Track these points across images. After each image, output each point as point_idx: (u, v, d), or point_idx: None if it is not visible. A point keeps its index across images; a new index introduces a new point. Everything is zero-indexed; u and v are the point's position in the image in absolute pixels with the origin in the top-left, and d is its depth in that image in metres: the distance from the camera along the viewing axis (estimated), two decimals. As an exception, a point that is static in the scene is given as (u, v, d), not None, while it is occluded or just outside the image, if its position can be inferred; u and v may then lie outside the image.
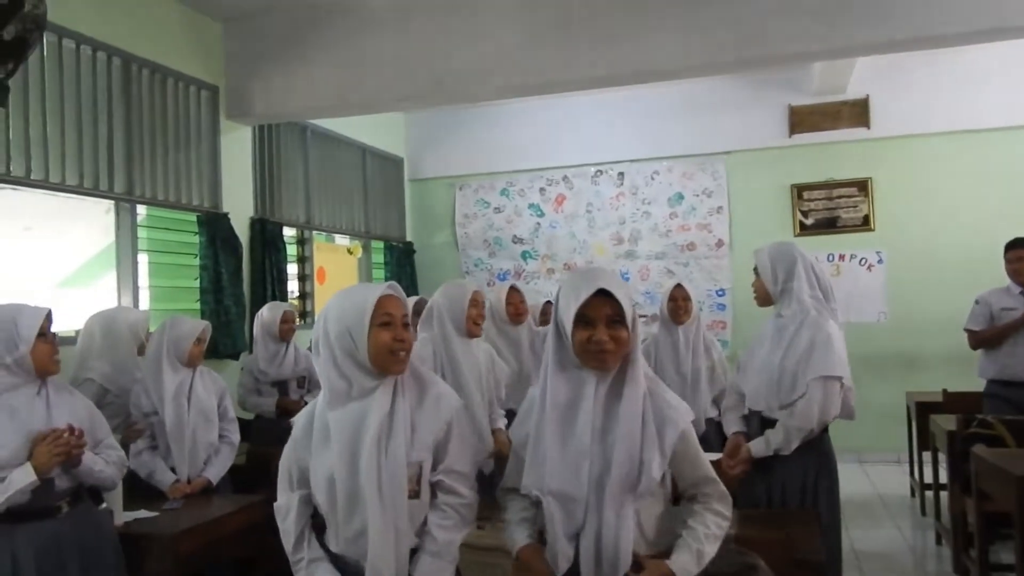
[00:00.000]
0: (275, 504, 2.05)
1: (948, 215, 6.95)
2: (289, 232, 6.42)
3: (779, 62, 4.98)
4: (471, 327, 3.49)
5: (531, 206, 8.01)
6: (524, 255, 8.02)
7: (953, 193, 6.96)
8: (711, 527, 1.84)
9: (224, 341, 5.21)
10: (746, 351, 3.16)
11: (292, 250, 6.48)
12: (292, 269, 6.48)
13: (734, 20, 4.63)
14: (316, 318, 2.09)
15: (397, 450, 1.92)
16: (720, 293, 7.53)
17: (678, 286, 4.31)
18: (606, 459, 1.80)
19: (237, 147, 5.75)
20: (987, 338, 4.69)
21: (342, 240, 7.50)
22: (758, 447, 2.86)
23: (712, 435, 4.12)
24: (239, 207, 5.66)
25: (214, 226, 5.32)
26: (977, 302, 4.80)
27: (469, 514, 2.03)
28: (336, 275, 7.07)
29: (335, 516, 1.94)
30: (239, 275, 5.48)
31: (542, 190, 7.98)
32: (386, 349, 1.94)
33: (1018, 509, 3.20)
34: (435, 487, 2.00)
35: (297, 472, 2.01)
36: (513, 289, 4.31)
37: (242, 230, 5.67)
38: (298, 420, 2.05)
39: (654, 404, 1.84)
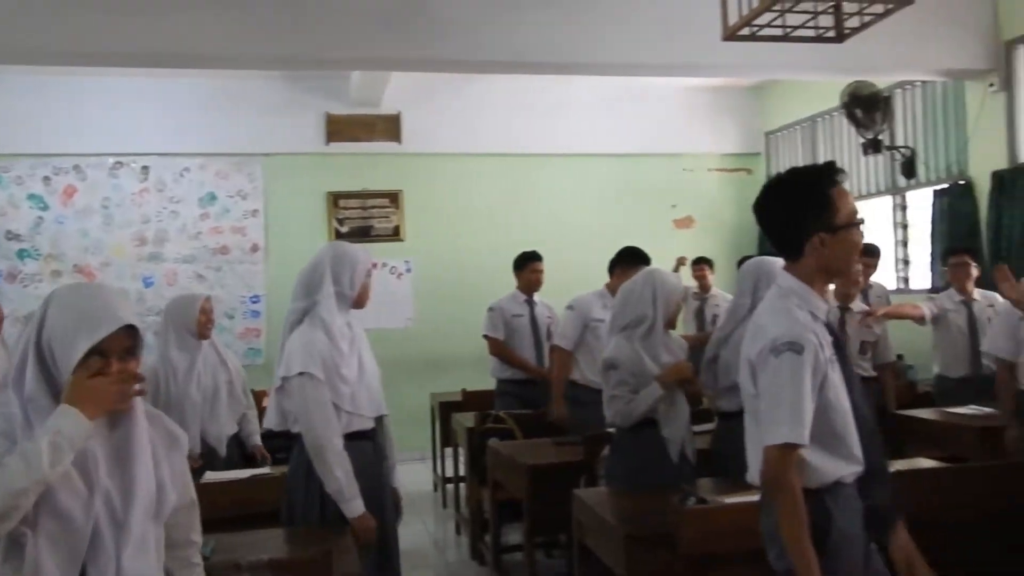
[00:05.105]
0: None
1: (468, 228, 7.60)
2: None
3: (321, 65, 4.95)
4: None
5: (31, 197, 6.83)
6: (21, 254, 6.80)
7: (473, 208, 7.64)
8: None
9: None
10: None
11: None
12: None
13: (280, 14, 4.47)
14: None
15: None
16: (255, 300, 7.26)
17: (208, 299, 3.86)
18: None
19: None
20: (503, 356, 5.15)
21: None
22: None
23: (233, 452, 3.88)
24: None
25: None
26: (491, 309, 5.25)
27: None
28: None
29: None
30: None
31: (47, 179, 6.87)
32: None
33: (527, 495, 3.55)
34: None
35: None
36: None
37: None
38: None
39: None
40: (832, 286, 4.81)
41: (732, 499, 2.49)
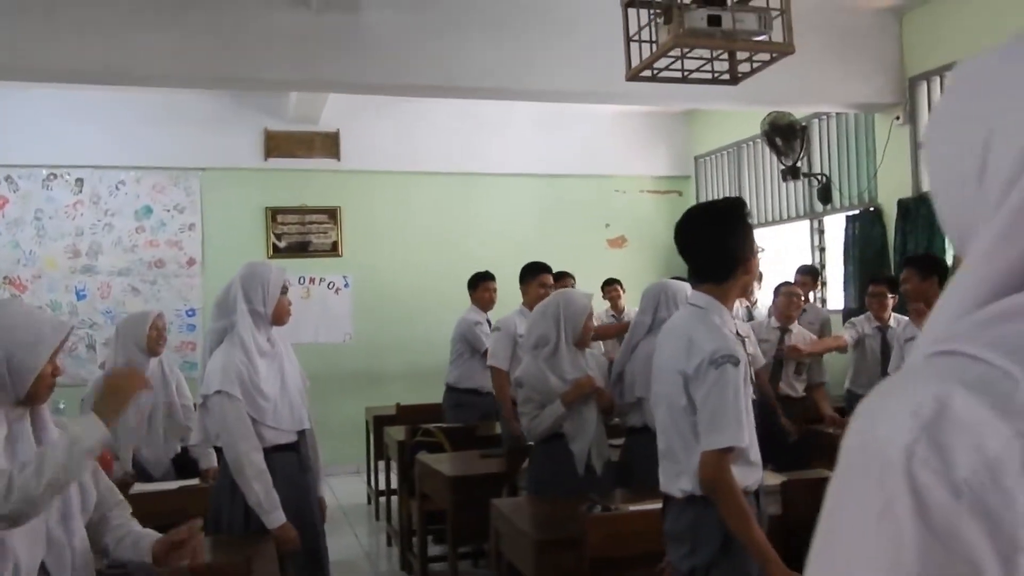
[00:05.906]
0: None
1: (406, 245, 7.71)
2: None
3: (259, 86, 5.04)
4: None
5: (-39, 207, 6.77)
6: (-51, 265, 6.73)
7: (411, 226, 7.76)
8: None
9: None
10: None
11: None
12: None
13: (217, 35, 4.56)
14: None
15: None
16: (191, 313, 7.26)
17: (160, 315, 3.88)
18: None
19: None
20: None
21: None
22: None
23: (170, 473, 3.84)
24: None
25: None
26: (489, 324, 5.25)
27: None
28: None
29: None
30: None
31: (-24, 190, 6.80)
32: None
33: (450, 505, 3.68)
34: None
35: None
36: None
37: None
38: None
39: None
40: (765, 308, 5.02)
41: (635, 507, 2.68)
